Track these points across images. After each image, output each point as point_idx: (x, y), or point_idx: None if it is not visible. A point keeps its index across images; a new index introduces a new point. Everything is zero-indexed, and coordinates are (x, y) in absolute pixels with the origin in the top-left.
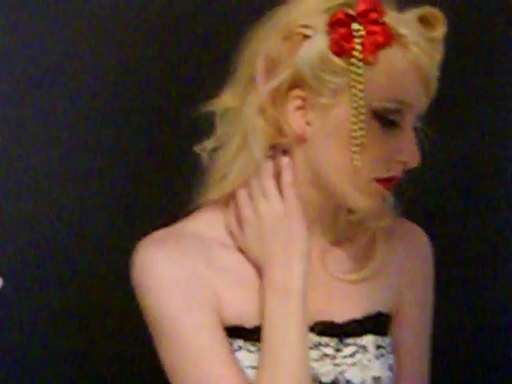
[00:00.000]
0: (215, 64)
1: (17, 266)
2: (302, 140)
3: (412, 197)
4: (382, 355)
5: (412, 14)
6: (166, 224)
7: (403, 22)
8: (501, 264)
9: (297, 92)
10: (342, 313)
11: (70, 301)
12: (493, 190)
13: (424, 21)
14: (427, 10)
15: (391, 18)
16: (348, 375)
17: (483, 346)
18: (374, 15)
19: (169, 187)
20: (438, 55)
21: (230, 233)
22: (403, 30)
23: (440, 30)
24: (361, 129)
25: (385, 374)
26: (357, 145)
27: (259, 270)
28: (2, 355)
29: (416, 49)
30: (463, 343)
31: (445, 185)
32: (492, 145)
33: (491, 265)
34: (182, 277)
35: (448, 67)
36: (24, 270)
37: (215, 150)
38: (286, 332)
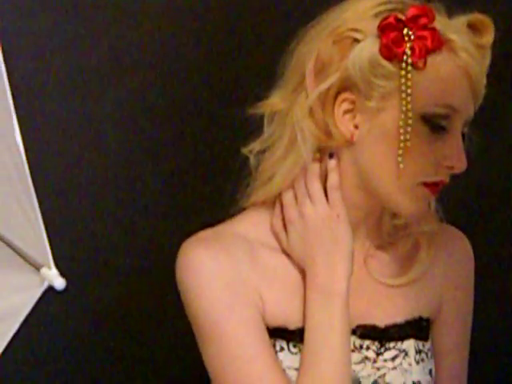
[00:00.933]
0: (264, 66)
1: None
2: (349, 143)
3: (456, 202)
4: (423, 360)
5: (461, 21)
6: (212, 224)
7: (453, 28)
8: None
9: (346, 95)
10: (384, 317)
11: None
12: None
13: (473, 27)
14: (476, 16)
15: (441, 23)
16: (388, 379)
17: None
18: (424, 20)
19: (216, 188)
20: (486, 61)
21: (275, 234)
22: (452, 36)
23: (488, 37)
24: (408, 133)
25: (425, 379)
26: (404, 149)
27: (303, 272)
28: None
29: (465, 54)
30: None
31: (488, 190)
32: None
33: None
34: (226, 277)
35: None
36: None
37: (262, 152)
38: (328, 334)
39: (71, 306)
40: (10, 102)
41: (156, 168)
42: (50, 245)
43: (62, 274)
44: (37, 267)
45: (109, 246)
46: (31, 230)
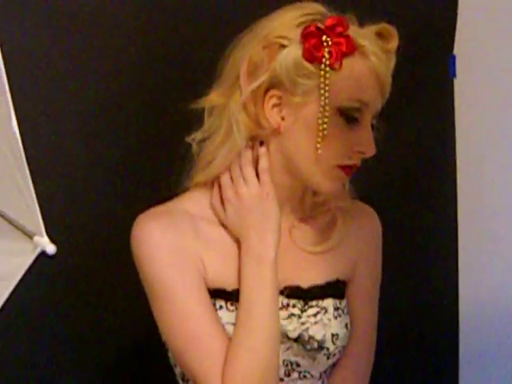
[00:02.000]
0: (204, 67)
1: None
2: (277, 133)
3: (365, 183)
4: (340, 315)
5: (371, 29)
6: (160, 202)
7: (364, 36)
8: (437, 241)
9: (274, 92)
10: (307, 279)
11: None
12: (431, 180)
13: (380, 35)
14: (383, 26)
15: (354, 31)
16: (311, 332)
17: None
18: (339, 29)
19: (164, 171)
20: (391, 63)
21: (214, 210)
22: (363, 42)
23: (393, 43)
24: (326, 124)
25: (341, 331)
26: (322, 137)
27: (238, 242)
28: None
29: (374, 58)
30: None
31: (391, 173)
32: (425, 142)
33: (429, 238)
34: (172, 246)
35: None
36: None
37: (203, 140)
38: (260, 294)
39: (61, 270)
40: (6, 86)
41: (116, 157)
42: (42, 215)
43: (53, 241)
44: (30, 235)
45: (96, 217)
46: (24, 203)
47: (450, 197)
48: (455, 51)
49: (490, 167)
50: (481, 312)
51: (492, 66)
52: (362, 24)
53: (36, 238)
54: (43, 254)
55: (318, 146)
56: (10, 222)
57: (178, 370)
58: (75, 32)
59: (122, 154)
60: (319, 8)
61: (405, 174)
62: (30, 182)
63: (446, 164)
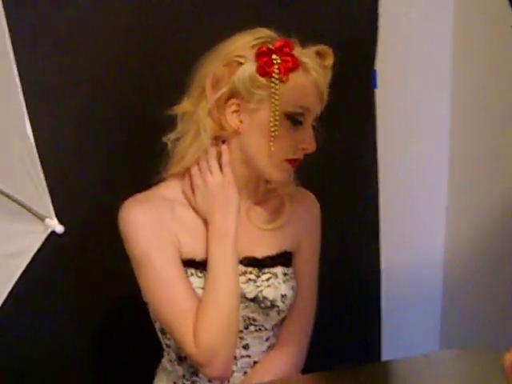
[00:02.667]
0: (177, 80)
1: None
2: (236, 133)
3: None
4: (288, 280)
5: (312, 50)
6: (143, 190)
7: (306, 55)
8: (360, 223)
9: (233, 100)
10: (261, 251)
11: None
12: (357, 171)
13: (319, 54)
14: (322, 47)
15: (297, 51)
16: (265, 293)
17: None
18: (286, 49)
19: (147, 164)
20: (328, 77)
21: (186, 196)
22: (306, 60)
23: (329, 60)
24: (276, 126)
25: (289, 293)
26: (273, 137)
27: (205, 222)
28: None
29: (314, 72)
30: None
31: (326, 164)
32: (353, 140)
33: (354, 221)
34: (153, 226)
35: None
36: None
37: (176, 140)
38: (223, 263)
39: (70, 248)
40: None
41: (106, 154)
42: (52, 200)
43: (61, 222)
44: (41, 218)
45: (101, 200)
46: (37, 191)
47: (372, 181)
48: (376, 67)
49: (405, 156)
50: (400, 270)
51: (405, 78)
52: (303, 45)
53: (47, 220)
54: (53, 233)
55: (271, 144)
56: (24, 206)
57: (157, 325)
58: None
59: (114, 150)
60: (269, 33)
61: (336, 165)
62: (41, 173)
63: (369, 156)
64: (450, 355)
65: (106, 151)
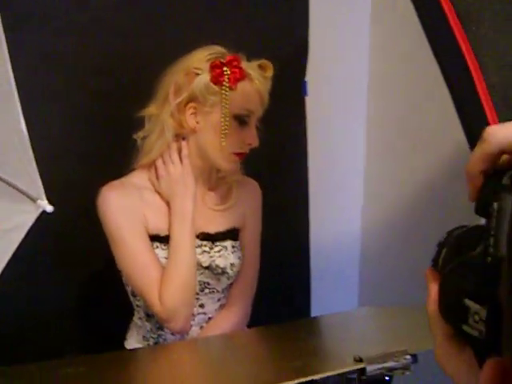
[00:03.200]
0: (145, 88)
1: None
2: (193, 131)
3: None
4: (235, 251)
5: (255, 63)
6: (116, 178)
7: (250, 67)
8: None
9: (192, 104)
10: (214, 227)
11: None
12: (290, 162)
13: (261, 67)
14: (263, 61)
15: (244, 64)
16: (217, 262)
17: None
18: (235, 63)
19: (120, 156)
20: (268, 85)
21: (152, 183)
22: (250, 71)
23: (270, 72)
24: (226, 126)
25: (236, 261)
26: (224, 134)
27: (168, 204)
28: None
29: (257, 82)
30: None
31: (265, 156)
32: (288, 137)
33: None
34: (126, 208)
35: None
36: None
37: (144, 137)
38: (183, 237)
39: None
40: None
41: (92, 143)
42: (43, 183)
43: (51, 203)
44: (34, 199)
45: (83, 184)
46: (29, 176)
47: (303, 171)
48: (306, 78)
49: (329, 150)
50: (325, 242)
51: (332, 88)
52: (249, 59)
53: (39, 201)
54: (44, 212)
55: (222, 140)
56: (20, 190)
57: (129, 289)
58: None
59: (95, 144)
60: (221, 49)
61: (274, 158)
62: (34, 161)
63: (301, 150)
64: (367, 311)
65: (88, 145)
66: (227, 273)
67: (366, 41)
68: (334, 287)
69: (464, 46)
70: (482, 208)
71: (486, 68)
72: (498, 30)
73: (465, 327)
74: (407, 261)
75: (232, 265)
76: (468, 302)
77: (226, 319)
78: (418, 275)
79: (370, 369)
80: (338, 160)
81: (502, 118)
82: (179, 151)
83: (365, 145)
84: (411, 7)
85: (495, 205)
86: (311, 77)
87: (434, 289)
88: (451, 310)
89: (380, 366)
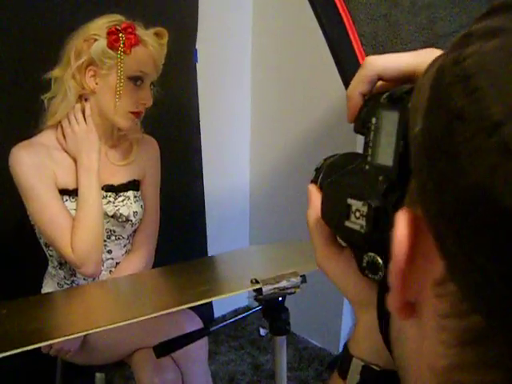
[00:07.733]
0: (51, 52)
1: None
2: (93, 92)
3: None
4: (137, 201)
5: (152, 30)
6: (26, 138)
7: (146, 34)
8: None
9: (91, 67)
10: (117, 180)
11: None
12: (182, 122)
13: (157, 34)
14: (159, 29)
15: (139, 31)
16: (121, 211)
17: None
18: (130, 29)
19: (28, 117)
20: (163, 51)
21: (59, 142)
22: (145, 38)
23: (164, 39)
24: (121, 86)
25: (139, 210)
26: (119, 94)
27: (75, 160)
28: None
29: (151, 47)
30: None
31: (161, 115)
32: (181, 100)
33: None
34: (36, 166)
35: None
36: None
37: (51, 98)
38: (90, 190)
39: None
40: None
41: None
42: None
43: None
44: None
45: None
46: None
47: (196, 128)
48: (197, 46)
49: (218, 109)
50: (218, 192)
51: (219, 56)
52: (147, 27)
53: None
54: None
55: (117, 99)
56: None
57: (42, 241)
58: None
59: (5, 105)
60: (119, 17)
61: (169, 117)
62: None
63: (193, 112)
64: (258, 247)
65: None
66: (131, 220)
67: (250, 9)
68: (228, 230)
69: (339, 4)
70: (361, 126)
71: (359, 20)
72: None
73: (347, 223)
74: (290, 204)
75: (135, 213)
76: (350, 200)
77: (132, 263)
78: (299, 217)
79: (266, 289)
80: (227, 119)
81: None
82: (83, 111)
83: (250, 103)
84: None
85: (373, 119)
86: (201, 45)
87: (317, 198)
88: (334, 211)
89: (275, 286)
